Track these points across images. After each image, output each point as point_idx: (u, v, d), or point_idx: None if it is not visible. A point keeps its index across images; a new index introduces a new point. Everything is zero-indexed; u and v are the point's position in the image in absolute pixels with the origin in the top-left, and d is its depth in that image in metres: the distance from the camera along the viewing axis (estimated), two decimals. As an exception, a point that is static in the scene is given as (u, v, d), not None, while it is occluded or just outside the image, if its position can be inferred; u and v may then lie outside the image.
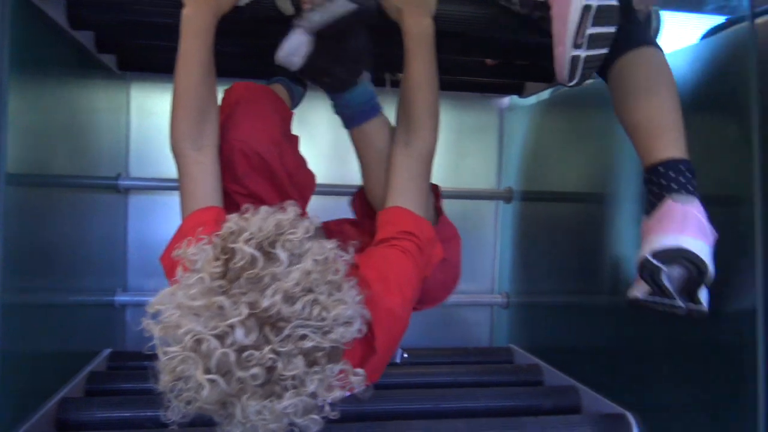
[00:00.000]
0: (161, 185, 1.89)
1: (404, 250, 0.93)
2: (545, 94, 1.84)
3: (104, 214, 1.75)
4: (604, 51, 0.99)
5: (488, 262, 2.16)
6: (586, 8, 0.94)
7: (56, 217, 1.29)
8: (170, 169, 1.86)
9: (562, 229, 1.71)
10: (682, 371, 1.16)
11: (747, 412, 0.98)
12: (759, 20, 0.98)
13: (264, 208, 0.72)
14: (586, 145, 1.59)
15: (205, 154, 0.98)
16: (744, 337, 0.99)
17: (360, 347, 0.82)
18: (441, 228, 1.12)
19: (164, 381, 0.66)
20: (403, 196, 1.00)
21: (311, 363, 0.66)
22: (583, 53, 0.97)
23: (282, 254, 0.67)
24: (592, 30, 0.95)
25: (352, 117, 1.10)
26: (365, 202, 1.19)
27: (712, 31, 1.13)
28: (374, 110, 1.10)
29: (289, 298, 0.65)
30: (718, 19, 1.12)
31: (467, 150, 2.11)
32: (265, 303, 0.63)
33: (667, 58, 1.05)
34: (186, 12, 0.99)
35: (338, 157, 1.91)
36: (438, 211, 1.17)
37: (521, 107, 1.99)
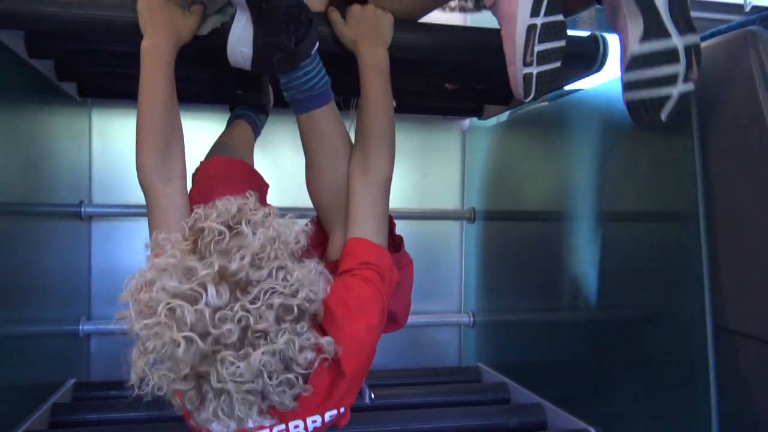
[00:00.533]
0: (125, 212, 1.88)
1: (365, 279, 0.95)
2: (504, 116, 1.88)
3: (67, 242, 1.73)
4: (556, 65, 1.02)
5: (454, 281, 2.18)
6: (531, 27, 0.97)
7: (18, 246, 1.28)
8: (134, 195, 1.87)
9: (525, 248, 1.74)
10: (640, 383, 1.19)
11: (701, 419, 1.02)
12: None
13: (227, 197, 0.78)
14: (545, 164, 1.63)
15: (173, 186, 0.99)
16: (695, 347, 1.03)
17: (329, 373, 0.86)
18: (397, 256, 1.14)
19: (139, 362, 0.69)
20: (362, 225, 1.02)
21: (280, 319, 0.71)
22: (534, 70, 1.00)
23: (246, 228, 0.73)
24: (540, 47, 0.98)
25: (306, 101, 1.07)
26: (318, 230, 1.19)
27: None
28: (325, 96, 1.07)
29: (256, 264, 0.71)
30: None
31: (430, 171, 2.15)
32: (233, 266, 0.69)
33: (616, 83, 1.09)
34: (144, 44, 1.00)
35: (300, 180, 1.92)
36: (395, 241, 1.18)
37: (481, 129, 2.03)
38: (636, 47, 0.93)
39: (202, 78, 1.48)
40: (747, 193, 0.99)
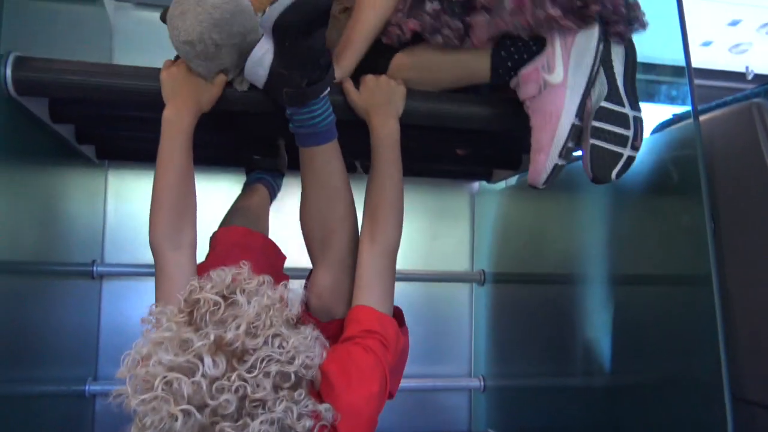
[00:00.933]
0: (136, 271, 1.89)
1: (367, 347, 0.95)
2: (513, 180, 1.90)
3: (77, 301, 1.73)
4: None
5: (464, 344, 2.16)
6: (574, 127, 1.04)
7: (29, 305, 1.29)
8: (145, 255, 1.87)
9: (536, 311, 1.73)
10: (656, 454, 1.16)
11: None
12: (703, 117, 1.06)
13: (221, 268, 0.79)
14: (554, 227, 1.64)
15: (182, 254, 1.00)
16: (712, 416, 1.01)
17: None
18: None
19: None
20: (368, 293, 1.02)
21: (277, 387, 0.70)
22: (561, 162, 1.06)
23: (241, 298, 0.73)
24: (570, 144, 1.05)
25: (307, 136, 1.08)
26: None
27: (661, 126, 1.21)
28: (327, 135, 1.08)
29: (251, 332, 0.70)
30: (666, 115, 1.21)
31: (440, 234, 2.16)
32: (229, 336, 0.69)
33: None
34: (167, 113, 1.03)
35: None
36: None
37: (491, 192, 2.06)
38: (603, 102, 1.05)
39: (219, 142, 1.52)
40: (758, 258, 0.99)
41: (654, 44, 1.15)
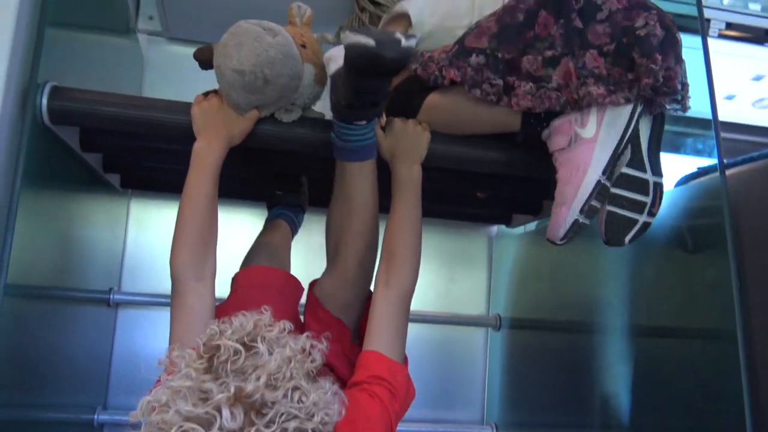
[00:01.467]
0: (152, 301, 1.89)
1: (373, 394, 0.93)
2: (532, 226, 1.90)
3: (92, 328, 1.74)
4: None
5: (477, 390, 2.12)
6: (599, 183, 1.03)
7: (44, 330, 1.29)
8: (161, 285, 1.91)
9: (553, 359, 1.70)
10: None
11: None
12: (729, 172, 1.06)
13: (242, 312, 0.77)
14: (574, 275, 1.63)
15: (204, 284, 1.00)
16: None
17: None
18: None
19: None
20: (379, 339, 1.01)
21: None
22: (583, 220, 1.04)
23: (262, 347, 0.71)
24: (593, 202, 1.04)
25: (344, 150, 1.11)
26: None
27: (686, 179, 1.21)
28: (365, 154, 1.11)
29: (272, 384, 0.68)
30: (691, 168, 1.20)
31: (456, 276, 2.14)
32: (249, 388, 0.66)
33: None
34: (197, 146, 1.05)
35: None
36: None
37: (509, 236, 2.05)
38: (625, 168, 1.05)
39: (242, 176, 1.53)
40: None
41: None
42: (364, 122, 1.08)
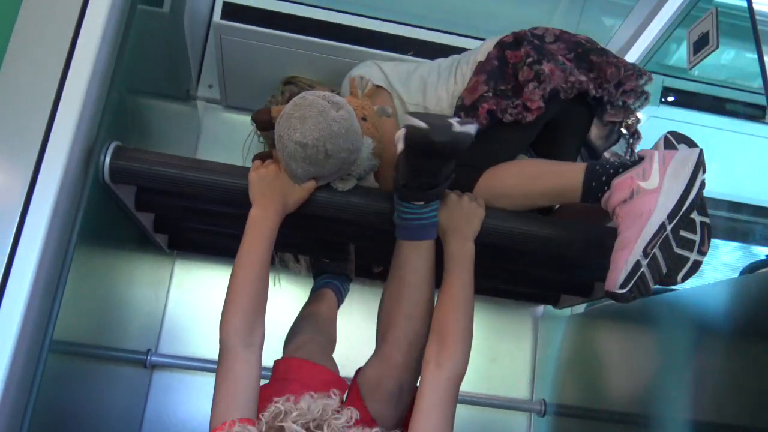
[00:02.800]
0: (189, 364, 1.87)
1: None
2: (581, 308, 1.84)
3: (127, 389, 1.72)
4: (662, 270, 1.02)
5: (518, 480, 2.01)
6: (663, 226, 1.02)
7: (79, 388, 1.28)
8: (200, 349, 1.89)
9: (599, 452, 1.60)
10: None
11: None
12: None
13: (310, 393, 0.76)
14: (626, 362, 1.55)
15: (252, 352, 0.97)
16: None
17: None
18: None
19: None
20: (426, 421, 0.96)
21: None
22: (645, 264, 1.01)
23: None
24: (656, 249, 1.02)
25: (401, 228, 1.12)
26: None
27: (752, 267, 1.16)
28: (421, 233, 1.10)
29: None
30: (759, 256, 1.15)
31: (500, 356, 2.07)
32: None
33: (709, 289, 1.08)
34: (254, 213, 1.06)
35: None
36: None
37: (556, 317, 1.98)
38: None
39: (292, 242, 1.53)
40: None
41: (745, 183, 1.12)
42: (421, 203, 1.08)
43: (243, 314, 0.98)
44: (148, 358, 1.81)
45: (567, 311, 1.91)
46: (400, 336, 1.09)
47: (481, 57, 1.27)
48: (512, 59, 1.23)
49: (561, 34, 1.28)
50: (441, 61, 1.38)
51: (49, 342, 1.00)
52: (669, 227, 1.02)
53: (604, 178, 1.09)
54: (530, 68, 1.19)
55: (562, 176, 1.16)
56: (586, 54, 1.25)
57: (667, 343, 1.37)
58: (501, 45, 1.26)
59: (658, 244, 1.01)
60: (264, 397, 1.02)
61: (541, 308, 2.10)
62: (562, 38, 1.27)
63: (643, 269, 1.00)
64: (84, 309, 1.21)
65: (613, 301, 1.60)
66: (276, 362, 1.17)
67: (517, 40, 1.25)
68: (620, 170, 1.08)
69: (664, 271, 1.03)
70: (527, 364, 2.08)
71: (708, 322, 1.22)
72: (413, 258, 1.11)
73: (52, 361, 1.02)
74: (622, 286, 1.01)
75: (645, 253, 1.01)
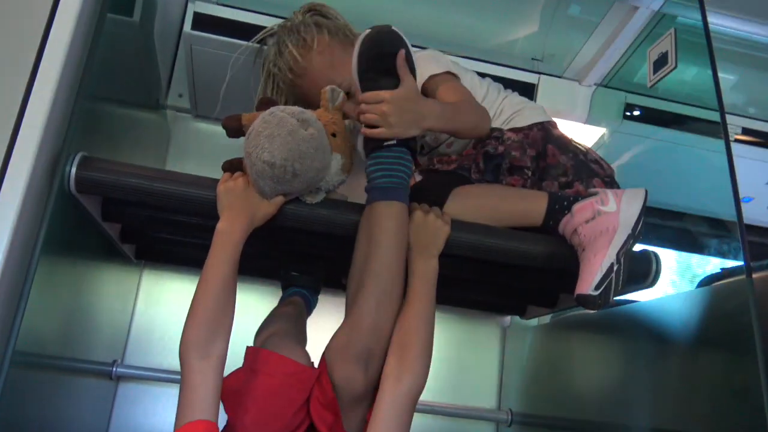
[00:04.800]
0: (155, 376, 1.84)
1: None
2: (546, 318, 1.86)
3: (91, 402, 1.68)
4: (617, 288, 1.08)
5: (483, 489, 2.02)
6: (632, 237, 1.11)
7: (45, 402, 1.25)
8: (167, 359, 1.87)
9: (564, 460, 1.62)
10: None
11: None
12: (755, 275, 1.04)
13: None
14: (590, 372, 1.58)
15: (208, 363, 0.95)
16: None
17: None
18: None
19: None
20: None
21: None
22: (617, 268, 1.08)
23: None
24: (622, 259, 1.09)
25: (373, 192, 1.10)
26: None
27: (709, 280, 1.19)
28: (394, 195, 1.09)
29: None
30: (714, 269, 1.19)
31: (467, 366, 2.08)
32: None
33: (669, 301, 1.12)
34: (220, 226, 1.05)
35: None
36: None
37: (523, 327, 2.01)
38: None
39: (260, 255, 1.52)
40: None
41: (704, 197, 1.16)
42: (393, 142, 1.09)
43: (200, 329, 0.97)
44: (114, 369, 1.78)
45: (534, 321, 1.94)
46: (368, 296, 1.05)
47: (524, 123, 1.35)
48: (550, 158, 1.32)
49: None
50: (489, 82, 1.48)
51: (11, 354, 0.98)
52: (630, 244, 1.09)
53: (565, 203, 1.17)
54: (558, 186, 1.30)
55: (527, 197, 1.23)
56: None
57: (628, 353, 1.40)
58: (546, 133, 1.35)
59: (623, 255, 1.08)
60: (231, 384, 1.02)
61: (508, 318, 2.12)
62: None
63: (613, 274, 1.07)
64: (48, 320, 1.18)
65: (577, 312, 1.64)
66: (247, 349, 1.15)
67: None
68: (579, 198, 1.18)
69: (623, 283, 1.09)
70: (494, 373, 2.10)
71: (667, 332, 1.25)
72: (384, 219, 1.08)
73: (13, 373, 0.99)
74: (597, 287, 1.06)
75: (617, 258, 1.08)
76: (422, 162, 1.44)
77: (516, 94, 1.49)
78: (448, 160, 1.36)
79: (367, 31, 1.12)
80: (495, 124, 1.36)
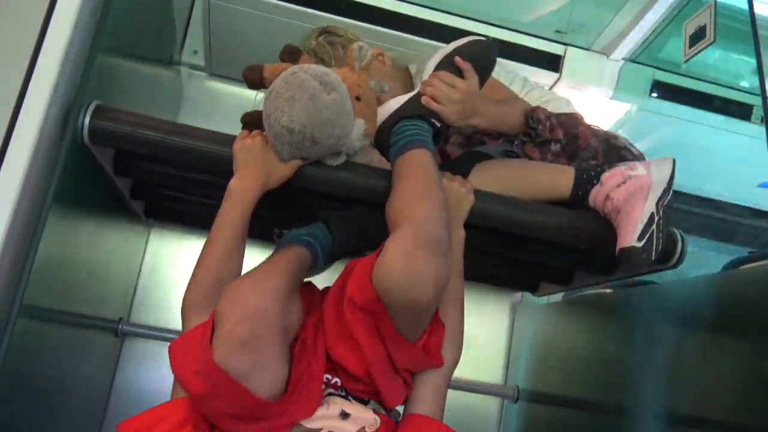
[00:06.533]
0: (160, 335, 1.84)
1: None
2: (558, 296, 1.84)
3: (97, 357, 1.68)
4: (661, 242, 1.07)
5: (487, 464, 2.02)
6: (666, 191, 1.10)
7: (50, 356, 1.24)
8: (171, 320, 1.86)
9: (569, 439, 1.61)
10: None
11: None
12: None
13: None
14: (598, 352, 1.56)
15: (208, 313, 0.92)
16: None
17: None
18: None
19: None
20: (435, 407, 0.96)
21: None
22: (657, 217, 1.07)
23: None
24: (666, 203, 1.09)
25: (405, 142, 1.07)
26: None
27: (735, 264, 1.16)
28: (427, 143, 1.07)
29: None
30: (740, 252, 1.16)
31: (475, 341, 2.07)
32: None
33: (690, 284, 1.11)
34: (233, 184, 1.01)
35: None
36: None
37: (534, 305, 1.99)
38: None
39: (271, 216, 1.49)
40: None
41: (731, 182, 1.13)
42: (439, 125, 1.11)
43: (205, 287, 0.94)
44: (120, 327, 1.77)
45: (544, 299, 1.91)
46: (425, 202, 0.92)
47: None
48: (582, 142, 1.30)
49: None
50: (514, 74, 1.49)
51: (19, 306, 0.96)
52: (667, 197, 1.09)
53: (593, 173, 1.16)
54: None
55: (553, 170, 1.22)
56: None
57: (643, 335, 1.38)
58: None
59: (662, 207, 1.07)
60: None
61: (519, 295, 2.10)
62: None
63: (654, 225, 1.05)
64: (55, 273, 1.16)
65: (591, 291, 1.61)
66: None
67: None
68: (606, 168, 1.16)
69: (664, 240, 1.07)
70: (502, 349, 2.09)
71: (687, 316, 1.22)
72: (423, 157, 1.02)
73: (21, 325, 0.98)
74: (640, 238, 1.04)
75: (657, 209, 1.07)
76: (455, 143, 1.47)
77: (542, 87, 1.49)
78: (495, 135, 1.36)
79: (482, 37, 1.20)
80: None
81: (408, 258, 0.77)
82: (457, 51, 1.16)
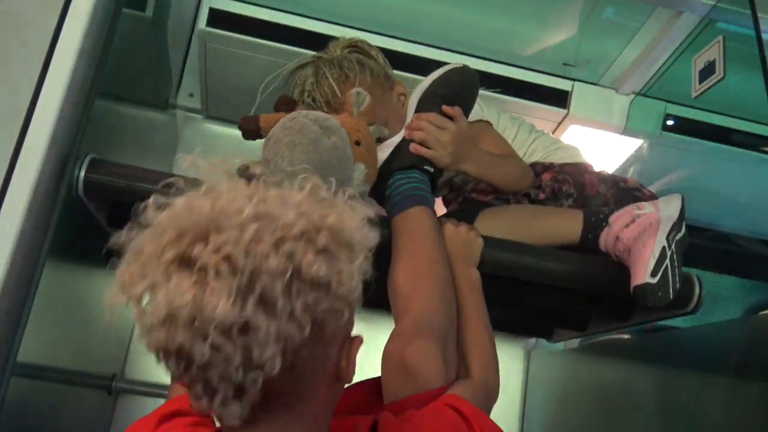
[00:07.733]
0: (155, 392, 1.85)
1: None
2: (574, 343, 1.85)
3: (89, 415, 1.69)
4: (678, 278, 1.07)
5: None
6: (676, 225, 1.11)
7: (43, 415, 1.25)
8: (165, 375, 1.86)
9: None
10: None
11: None
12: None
13: None
14: (620, 401, 1.56)
15: None
16: None
17: None
18: None
19: None
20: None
21: None
22: (669, 251, 1.07)
23: None
24: (677, 238, 1.10)
25: (404, 198, 1.09)
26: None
27: (756, 308, 1.18)
28: (417, 201, 1.08)
29: None
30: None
31: (488, 389, 2.06)
32: None
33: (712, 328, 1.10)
34: None
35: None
36: None
37: (548, 351, 1.99)
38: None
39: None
40: None
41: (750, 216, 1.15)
42: (431, 169, 1.13)
43: None
44: (113, 384, 1.79)
45: (560, 345, 1.92)
46: (429, 284, 0.98)
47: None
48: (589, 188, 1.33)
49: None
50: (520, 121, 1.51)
51: (13, 363, 0.98)
52: (677, 230, 1.10)
53: (601, 216, 1.18)
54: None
55: (562, 214, 1.24)
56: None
57: (664, 383, 1.39)
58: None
59: (673, 241, 1.08)
60: None
61: (533, 341, 2.11)
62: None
63: (668, 260, 1.06)
64: (49, 330, 1.19)
65: (608, 337, 1.63)
66: None
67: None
68: (614, 210, 1.18)
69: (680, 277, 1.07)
70: (516, 398, 2.08)
71: (708, 361, 1.23)
72: (424, 219, 1.05)
73: (14, 383, 1.00)
74: (653, 274, 1.05)
75: (668, 243, 1.07)
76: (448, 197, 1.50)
77: (549, 135, 1.51)
78: (485, 191, 1.37)
79: (459, 64, 1.22)
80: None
81: (414, 347, 0.88)
82: (435, 84, 1.17)
